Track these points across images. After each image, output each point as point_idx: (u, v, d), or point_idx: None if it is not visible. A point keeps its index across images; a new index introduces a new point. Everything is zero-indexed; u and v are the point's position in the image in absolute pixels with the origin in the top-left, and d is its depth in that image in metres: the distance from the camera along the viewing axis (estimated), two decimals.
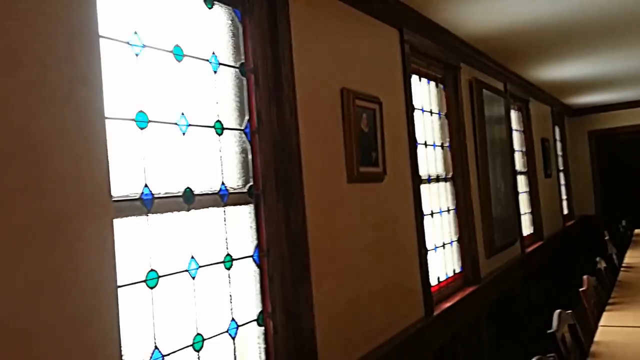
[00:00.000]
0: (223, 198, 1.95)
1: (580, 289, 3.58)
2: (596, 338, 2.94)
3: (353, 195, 2.65)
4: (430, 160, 3.76)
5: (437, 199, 3.78)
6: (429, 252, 3.51)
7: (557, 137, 8.19)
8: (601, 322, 3.25)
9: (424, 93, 3.79)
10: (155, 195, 1.69)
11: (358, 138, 2.69)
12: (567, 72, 5.88)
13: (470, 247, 4.09)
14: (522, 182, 5.97)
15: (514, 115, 5.91)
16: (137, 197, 1.64)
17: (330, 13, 2.62)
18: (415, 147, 3.38)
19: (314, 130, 2.40)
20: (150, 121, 1.71)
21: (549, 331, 2.60)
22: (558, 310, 2.80)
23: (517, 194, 5.40)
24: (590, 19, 3.87)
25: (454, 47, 4.06)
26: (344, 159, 2.61)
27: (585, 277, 3.75)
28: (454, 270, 3.90)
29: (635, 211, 8.49)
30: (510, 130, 5.37)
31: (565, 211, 8.17)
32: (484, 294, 4.09)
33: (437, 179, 3.80)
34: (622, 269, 4.90)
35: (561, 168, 8.23)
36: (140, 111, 1.68)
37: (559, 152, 8.24)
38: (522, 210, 5.80)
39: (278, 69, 2.20)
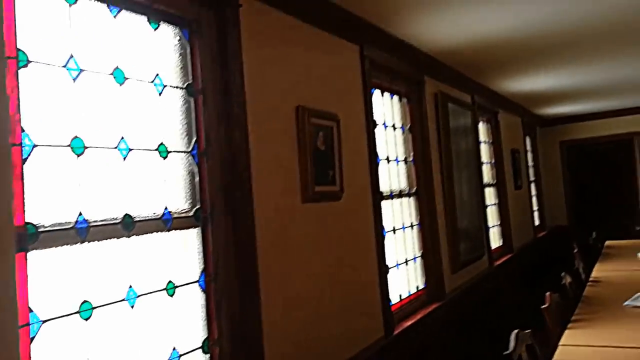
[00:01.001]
0: (167, 223, 1.91)
1: (542, 306, 3.59)
2: (555, 358, 2.94)
3: (308, 215, 2.62)
4: (394, 175, 3.75)
5: (400, 215, 3.77)
6: (390, 269, 3.50)
7: (529, 147, 8.26)
8: (562, 341, 3.24)
9: (387, 108, 3.78)
10: (91, 223, 1.65)
11: (314, 156, 2.66)
12: (537, 84, 5.93)
13: (435, 262, 4.09)
14: (490, 195, 6.00)
15: (482, 127, 5.94)
16: (70, 225, 1.59)
17: (285, 30, 2.60)
18: (377, 163, 3.37)
19: (266, 150, 2.37)
20: (86, 147, 1.66)
21: (505, 352, 2.60)
22: (515, 331, 2.80)
23: (485, 206, 5.43)
24: (556, 33, 3.90)
25: (418, 61, 4.06)
26: (298, 179, 2.58)
27: (547, 293, 3.76)
28: (417, 287, 3.89)
29: (607, 222, 8.60)
30: (477, 142, 5.40)
31: (537, 222, 8.24)
32: (449, 310, 4.09)
33: (400, 195, 3.79)
34: (588, 283, 4.93)
35: (533, 179, 8.30)
36: (76, 137, 1.64)
37: (530, 163, 8.31)
38: (491, 223, 5.83)
39: (228, 88, 2.17)
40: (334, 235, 2.83)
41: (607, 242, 7.24)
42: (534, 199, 8.26)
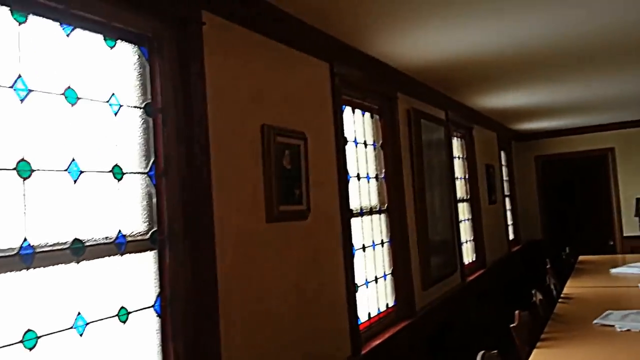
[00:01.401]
0: (120, 246, 1.86)
1: (511, 325, 3.57)
2: None
3: (273, 235, 2.58)
4: (365, 192, 3.73)
5: (370, 232, 3.74)
6: (359, 287, 3.47)
7: (504, 162, 8.32)
8: None
9: (359, 124, 3.77)
10: (37, 249, 1.59)
11: (279, 175, 2.63)
12: (511, 100, 5.96)
13: (405, 279, 4.07)
14: (464, 210, 6.01)
15: (456, 142, 5.96)
16: (14, 252, 1.53)
17: (251, 48, 2.57)
18: (346, 181, 3.34)
19: (229, 170, 2.33)
20: (33, 170, 1.61)
21: None
22: (482, 352, 2.77)
23: (457, 222, 5.43)
24: (528, 53, 3.92)
25: (391, 78, 4.06)
26: (263, 198, 2.54)
27: (516, 312, 3.76)
28: (387, 305, 3.86)
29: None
30: (451, 157, 5.41)
31: (512, 236, 8.28)
32: (420, 328, 4.06)
33: (371, 212, 3.77)
34: (560, 300, 4.95)
35: (507, 193, 8.35)
36: (23, 160, 1.58)
37: (505, 178, 8.36)
38: (464, 238, 5.84)
39: (189, 107, 2.13)
40: (300, 254, 2.79)
41: (581, 258, 7.28)
42: (509, 214, 8.31)
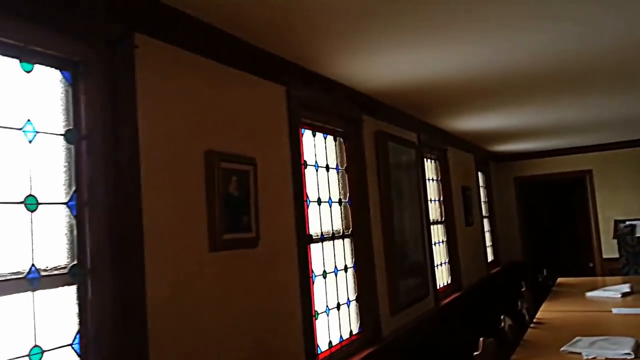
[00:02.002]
0: (33, 282, 1.74)
1: (475, 353, 3.47)
2: None
3: (217, 265, 2.48)
4: (327, 217, 3.64)
5: (332, 258, 3.64)
6: (320, 315, 3.36)
7: (482, 183, 8.27)
8: None
9: (321, 148, 3.68)
10: None
11: (224, 203, 2.53)
12: (485, 123, 5.92)
13: (371, 305, 3.95)
14: (438, 232, 5.93)
15: (430, 165, 5.90)
16: None
17: (193, 71, 2.48)
18: (303, 206, 3.25)
19: (166, 197, 2.23)
20: None
21: None
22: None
23: (430, 245, 5.34)
24: (497, 76, 3.88)
25: (356, 101, 3.99)
26: (206, 227, 2.44)
27: (481, 339, 3.65)
28: (351, 332, 3.75)
29: (561, 258, 8.61)
30: (423, 180, 5.34)
31: (491, 258, 8.20)
32: (385, 355, 3.94)
33: (333, 237, 3.67)
34: (531, 325, 4.85)
35: (486, 214, 8.28)
36: None
37: (484, 199, 8.30)
38: (438, 261, 5.74)
39: (117, 134, 2.03)
40: (249, 284, 2.68)
41: (559, 280, 7.20)
42: (488, 235, 8.24)
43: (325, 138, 3.74)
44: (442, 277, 5.87)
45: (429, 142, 5.66)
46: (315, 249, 3.44)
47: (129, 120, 2.07)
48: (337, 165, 3.86)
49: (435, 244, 5.75)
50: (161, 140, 2.24)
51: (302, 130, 3.45)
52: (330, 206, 3.69)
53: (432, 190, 5.94)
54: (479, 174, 8.10)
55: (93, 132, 1.99)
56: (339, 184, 3.86)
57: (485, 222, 8.18)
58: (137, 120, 2.11)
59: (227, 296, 2.52)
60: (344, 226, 3.89)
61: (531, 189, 9.19)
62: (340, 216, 3.84)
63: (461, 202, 6.75)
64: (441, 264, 5.87)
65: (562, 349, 3.66)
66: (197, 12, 2.36)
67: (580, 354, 3.44)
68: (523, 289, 6.06)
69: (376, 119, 4.41)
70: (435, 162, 6.12)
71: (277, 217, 2.98)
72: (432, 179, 5.95)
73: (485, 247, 7.68)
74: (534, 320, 5.06)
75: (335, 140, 3.88)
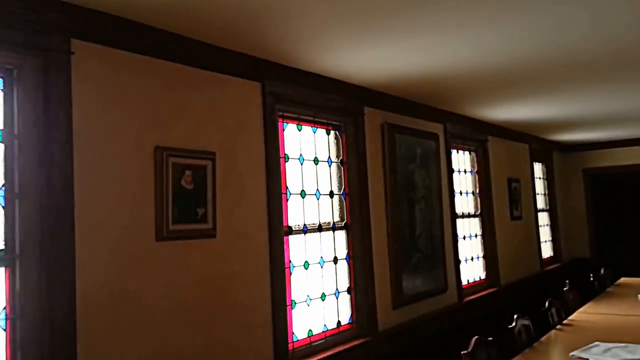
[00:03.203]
0: None
1: (463, 352, 3.42)
2: None
3: (164, 253, 2.65)
4: (314, 209, 3.72)
5: (318, 249, 3.73)
6: (298, 304, 3.47)
7: (540, 174, 7.91)
8: None
9: (310, 142, 3.76)
10: None
11: (174, 196, 2.70)
12: (538, 112, 5.62)
13: (367, 297, 3.99)
14: (470, 226, 5.79)
15: (461, 156, 5.76)
16: None
17: (144, 74, 2.66)
18: (280, 198, 3.36)
19: (104, 191, 2.43)
20: None
21: None
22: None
23: (455, 239, 5.25)
24: (538, 61, 3.70)
25: (354, 95, 4.02)
26: (153, 218, 2.62)
27: (474, 338, 3.59)
28: (339, 322, 3.81)
29: (632, 256, 8.06)
30: (448, 172, 5.24)
31: (549, 253, 7.85)
32: (379, 347, 3.97)
33: (320, 229, 3.74)
34: (558, 327, 4.66)
35: (544, 207, 7.92)
36: None
37: (542, 191, 7.95)
38: (467, 255, 5.63)
39: (51, 134, 2.25)
40: (205, 274, 2.84)
41: (621, 280, 6.77)
42: (547, 229, 7.89)
43: (314, 132, 3.81)
44: (473, 272, 5.74)
45: (460, 133, 5.54)
46: (296, 240, 3.54)
47: (62, 121, 2.28)
48: (329, 158, 3.92)
49: (464, 238, 5.63)
50: (99, 138, 2.44)
51: (284, 124, 3.55)
52: (318, 199, 3.76)
53: (465, 182, 5.80)
54: (536, 164, 7.76)
55: (26, 132, 2.21)
56: (330, 177, 3.92)
57: (543, 215, 7.83)
58: (72, 121, 2.32)
59: (175, 284, 2.69)
60: (339, 218, 3.95)
61: (603, 182, 8.61)
62: (331, 209, 3.90)
63: (506, 194, 6.53)
64: (472, 259, 5.74)
65: (571, 353, 3.53)
66: (150, 20, 2.54)
67: None
68: (565, 288, 5.80)
69: (384, 111, 4.40)
70: (471, 153, 5.97)
71: (243, 209, 3.11)
72: (465, 171, 5.81)
73: (538, 243, 7.36)
74: (565, 321, 4.86)
75: (328, 133, 3.94)
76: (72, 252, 2.28)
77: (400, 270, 4.33)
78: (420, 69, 3.68)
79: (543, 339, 4.29)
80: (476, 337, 3.65)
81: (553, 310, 4.98)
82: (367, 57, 3.38)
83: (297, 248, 3.56)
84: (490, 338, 3.79)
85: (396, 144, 4.42)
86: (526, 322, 4.42)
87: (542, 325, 4.89)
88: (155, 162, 2.65)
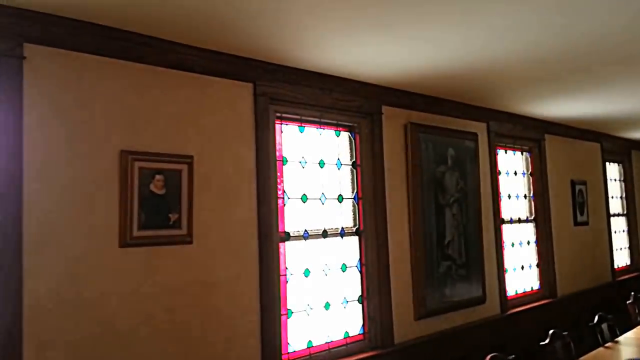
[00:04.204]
0: None
1: None
2: None
3: (129, 260, 2.59)
4: (317, 214, 3.55)
5: (326, 256, 3.55)
6: (295, 314, 3.32)
7: (616, 176, 7.22)
8: None
9: (316, 144, 3.59)
10: None
11: (142, 201, 2.64)
12: (601, 107, 5.08)
13: (382, 306, 3.76)
14: (523, 232, 5.36)
15: (510, 157, 5.34)
16: None
17: (112, 77, 2.61)
18: (275, 203, 3.22)
19: (58, 198, 2.40)
20: None
21: None
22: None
23: (500, 246, 4.87)
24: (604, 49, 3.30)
25: (370, 93, 3.80)
26: (117, 224, 2.57)
27: (489, 356, 3.28)
28: (346, 333, 3.61)
29: None
30: (493, 174, 4.87)
31: (625, 262, 7.15)
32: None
33: (325, 234, 3.55)
34: (607, 344, 4.20)
35: (618, 212, 7.21)
36: None
37: (616, 194, 7.24)
38: (515, 264, 5.21)
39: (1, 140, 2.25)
40: (178, 281, 2.76)
41: None
42: (623, 236, 7.18)
43: (320, 133, 3.63)
44: (524, 282, 5.30)
45: (509, 132, 5.13)
46: (295, 247, 3.39)
47: (10, 127, 2.27)
48: (337, 160, 3.72)
49: (513, 245, 5.22)
50: (55, 143, 2.41)
51: (283, 126, 3.40)
52: (323, 203, 3.58)
53: (517, 185, 5.37)
54: (610, 165, 7.09)
55: None
56: (340, 181, 3.72)
57: (619, 220, 7.14)
58: (23, 126, 2.31)
59: (141, 292, 2.62)
60: (351, 224, 3.75)
61: None
62: (340, 214, 3.70)
63: (569, 198, 6.00)
64: (522, 268, 5.30)
65: None
66: (117, 23, 2.50)
67: None
68: (629, 301, 5.25)
69: (408, 110, 4.14)
70: (523, 153, 5.52)
71: (229, 213, 2.99)
72: (515, 173, 5.38)
73: (611, 250, 6.70)
74: (616, 339, 4.38)
75: (337, 135, 3.74)
76: (20, 260, 2.26)
77: (423, 278, 4.05)
78: (444, 63, 3.39)
79: (582, 358, 3.88)
80: (492, 354, 3.34)
81: (604, 326, 4.49)
82: (374, 54, 3.15)
83: (298, 255, 3.40)
84: (513, 356, 3.45)
85: (421, 145, 4.14)
86: (566, 339, 4.00)
87: (592, 342, 4.43)
88: (120, 166, 2.60)
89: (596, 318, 4.47)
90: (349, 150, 3.82)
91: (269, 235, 3.17)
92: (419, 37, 2.90)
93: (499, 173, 5.09)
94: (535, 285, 5.45)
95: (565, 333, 4.03)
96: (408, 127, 4.09)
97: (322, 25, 2.68)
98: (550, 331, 3.97)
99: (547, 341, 3.86)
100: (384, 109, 3.94)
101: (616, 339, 4.41)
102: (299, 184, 3.46)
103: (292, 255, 3.36)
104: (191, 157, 2.85)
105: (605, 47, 3.26)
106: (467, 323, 4.43)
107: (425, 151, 4.18)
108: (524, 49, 3.20)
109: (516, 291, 5.16)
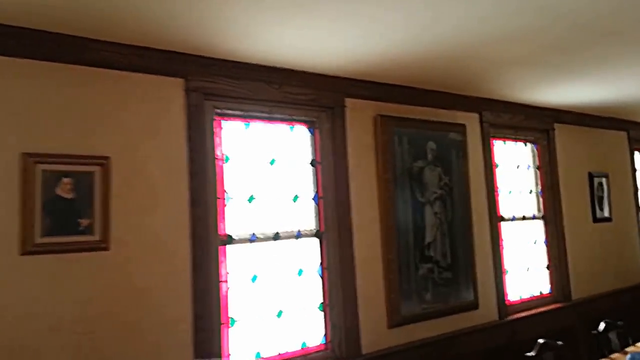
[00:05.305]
0: None
1: None
2: None
3: (31, 269, 2.46)
4: (279, 215, 3.33)
5: (279, 260, 3.32)
6: (237, 322, 3.11)
7: None
8: None
9: (265, 140, 3.37)
10: None
11: (47, 206, 2.50)
12: (622, 92, 4.62)
13: (346, 313, 3.49)
14: (530, 231, 4.94)
15: (510, 150, 4.94)
16: None
17: (5, 75, 2.49)
18: (215, 205, 3.03)
19: None
20: None
21: None
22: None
23: (498, 245, 4.50)
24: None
25: (329, 85, 3.55)
26: (17, 231, 2.44)
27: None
28: (304, 343, 3.37)
29: None
30: (487, 168, 4.50)
31: None
32: None
33: (277, 237, 3.33)
34: (611, 355, 3.79)
35: None
36: None
37: None
38: (523, 266, 4.81)
39: None
40: (92, 290, 2.60)
41: None
42: None
43: (271, 130, 3.41)
44: (531, 285, 4.89)
45: (508, 122, 4.75)
46: (241, 251, 3.18)
47: None
48: (292, 158, 3.48)
49: (515, 245, 4.82)
50: None
51: (224, 122, 3.20)
52: (274, 204, 3.35)
53: (523, 179, 4.97)
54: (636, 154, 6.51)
55: None
56: (296, 180, 3.48)
57: None
58: None
59: (45, 302, 2.47)
60: (313, 226, 3.51)
61: None
62: (297, 215, 3.46)
63: (586, 192, 5.52)
64: (528, 270, 4.89)
65: None
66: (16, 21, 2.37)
67: None
68: None
69: (378, 102, 3.85)
70: (526, 145, 5.10)
71: (155, 217, 2.82)
72: (518, 166, 4.97)
73: (638, 249, 6.14)
74: (626, 349, 3.96)
75: (291, 130, 3.50)
76: None
77: (397, 282, 3.75)
78: (412, 47, 3.09)
79: None
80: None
81: (612, 334, 4.05)
82: (318, 41, 2.90)
83: (245, 260, 3.19)
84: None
85: (394, 139, 3.85)
86: (561, 350, 3.62)
87: (599, 352, 4.00)
88: (22, 169, 2.46)
89: (601, 325, 4.04)
90: (311, 147, 3.58)
91: (204, 238, 2.97)
92: (370, 16, 2.61)
93: (496, 166, 4.70)
94: (545, 288, 5.02)
95: (560, 343, 3.65)
96: (378, 120, 3.81)
97: (243, 13, 2.46)
98: (540, 340, 3.61)
99: (533, 352, 3.50)
100: (348, 101, 3.67)
101: (626, 349, 3.97)
102: (245, 183, 3.25)
103: (236, 260, 3.15)
104: (107, 158, 2.69)
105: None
106: (456, 331, 4.09)
107: (399, 145, 3.88)
108: (518, 22, 2.81)
109: (520, 296, 4.76)
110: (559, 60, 3.60)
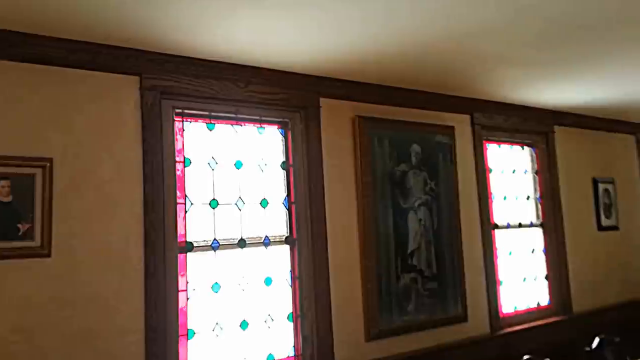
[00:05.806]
0: None
1: None
2: None
3: None
4: (245, 221, 3.16)
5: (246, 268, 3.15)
6: (198, 333, 2.95)
7: None
8: None
9: (231, 143, 3.21)
10: None
11: None
12: (624, 91, 4.38)
13: (319, 325, 3.30)
14: (527, 239, 4.70)
15: (505, 154, 4.70)
16: None
17: None
18: (174, 210, 2.88)
19: None
20: None
21: None
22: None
23: (491, 255, 4.26)
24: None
25: (302, 84, 3.38)
26: None
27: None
28: (270, 356, 3.18)
29: None
30: (478, 173, 4.28)
31: None
32: None
33: (242, 244, 3.15)
34: None
35: None
36: None
37: None
38: (519, 277, 4.56)
39: None
40: (30, 299, 2.45)
41: None
42: None
43: (237, 131, 3.24)
44: (528, 296, 4.64)
45: (502, 125, 4.52)
46: (203, 258, 3.01)
47: None
48: (262, 161, 3.31)
49: (510, 254, 4.58)
50: None
51: (184, 123, 3.05)
52: (240, 210, 3.18)
53: (520, 184, 4.73)
54: None
55: None
56: (265, 184, 3.31)
57: None
58: None
59: None
60: (282, 232, 3.33)
61: None
62: (266, 221, 3.29)
63: (590, 198, 5.25)
64: (525, 280, 4.64)
65: None
66: None
67: None
68: None
69: (358, 102, 3.67)
70: (526, 149, 4.86)
71: (105, 222, 2.67)
72: (514, 171, 4.74)
73: None
74: None
75: (260, 132, 3.33)
76: None
77: (376, 292, 3.55)
78: (367, 44, 2.92)
79: None
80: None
81: (607, 351, 3.79)
82: (282, 33, 2.71)
83: (206, 268, 3.03)
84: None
85: (374, 141, 3.65)
86: None
87: None
88: None
89: (595, 341, 3.78)
90: (283, 150, 3.41)
91: (160, 245, 2.81)
92: (320, 6, 2.44)
93: (490, 171, 4.48)
94: (544, 300, 4.76)
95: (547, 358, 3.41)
96: (356, 121, 3.62)
97: (193, 4, 2.31)
98: (525, 357, 3.37)
99: None
100: (323, 101, 3.50)
101: None
102: (209, 188, 3.08)
103: (197, 268, 2.99)
104: (50, 159, 2.55)
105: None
106: (442, 344, 3.87)
107: (379, 148, 3.68)
108: (510, 12, 2.61)
109: (515, 307, 4.51)
110: (546, 59, 3.39)
